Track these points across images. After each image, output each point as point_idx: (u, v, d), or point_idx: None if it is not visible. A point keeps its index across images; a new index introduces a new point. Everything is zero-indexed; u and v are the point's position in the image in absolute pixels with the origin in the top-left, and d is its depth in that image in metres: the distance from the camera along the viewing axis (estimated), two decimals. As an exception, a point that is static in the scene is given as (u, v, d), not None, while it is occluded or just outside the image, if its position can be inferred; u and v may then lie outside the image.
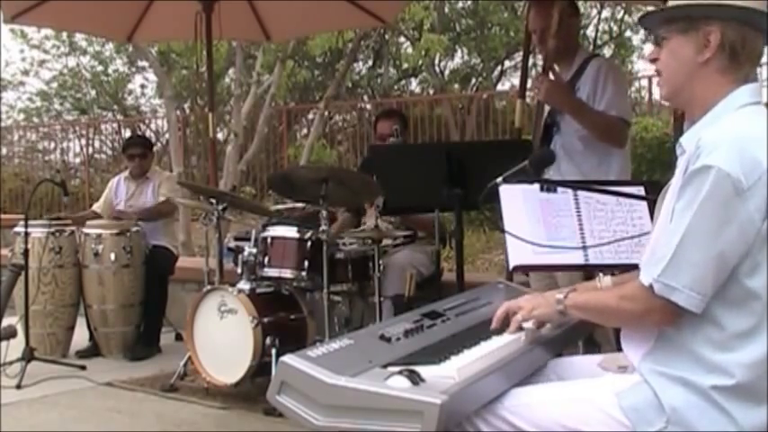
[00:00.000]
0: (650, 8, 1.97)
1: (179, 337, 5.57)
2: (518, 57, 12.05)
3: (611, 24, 13.48)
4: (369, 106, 12.59)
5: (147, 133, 11.98)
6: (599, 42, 13.23)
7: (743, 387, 1.68)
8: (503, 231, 2.43)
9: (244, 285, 4.17)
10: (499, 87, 13.15)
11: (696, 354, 1.72)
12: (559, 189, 2.53)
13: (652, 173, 6.77)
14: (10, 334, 4.75)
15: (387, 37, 12.55)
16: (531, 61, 4.92)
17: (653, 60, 1.90)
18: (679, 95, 1.88)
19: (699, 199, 1.67)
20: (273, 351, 3.98)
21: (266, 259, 4.19)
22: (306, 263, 4.12)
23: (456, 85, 13.33)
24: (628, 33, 13.36)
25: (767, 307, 1.70)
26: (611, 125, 3.37)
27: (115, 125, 13.51)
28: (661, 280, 1.69)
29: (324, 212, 4.01)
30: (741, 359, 1.69)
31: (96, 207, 5.98)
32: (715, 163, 1.66)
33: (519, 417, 1.80)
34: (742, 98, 1.80)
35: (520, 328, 1.99)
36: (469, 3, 12.41)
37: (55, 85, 14.18)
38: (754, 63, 1.83)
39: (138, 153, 5.73)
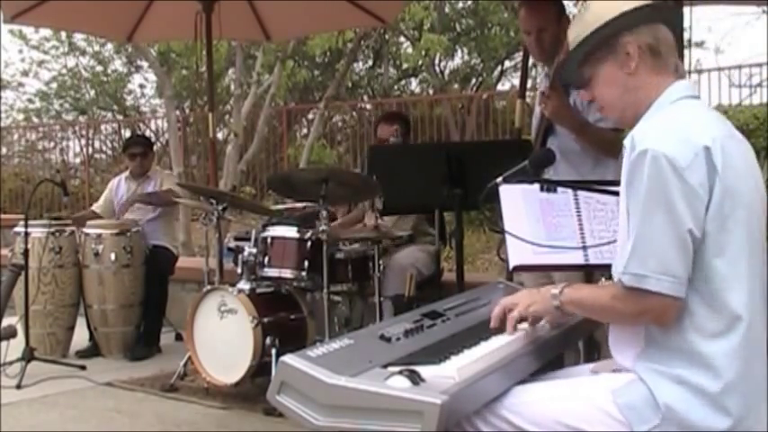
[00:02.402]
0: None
1: (179, 337, 5.57)
2: (518, 57, 12.05)
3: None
4: (369, 106, 12.60)
5: (147, 133, 11.97)
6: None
7: (732, 380, 1.70)
8: (502, 232, 2.43)
9: (244, 285, 4.18)
10: (499, 87, 13.15)
11: (683, 348, 1.74)
12: (559, 189, 2.53)
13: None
14: (10, 334, 4.75)
15: (387, 37, 12.54)
16: (531, 61, 4.91)
17: (590, 102, 2.00)
18: (627, 113, 1.92)
19: (642, 186, 1.72)
20: (273, 351, 3.98)
21: (266, 259, 4.19)
22: (306, 263, 4.12)
23: (456, 85, 13.33)
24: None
25: (743, 291, 1.73)
26: (610, 142, 3.36)
27: (115, 125, 13.52)
28: (628, 271, 1.72)
29: (324, 212, 4.01)
30: (724, 348, 1.71)
31: (96, 207, 5.97)
32: (649, 146, 1.72)
33: (517, 415, 1.81)
34: (676, 93, 1.87)
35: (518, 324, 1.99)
36: (469, 3, 12.41)
37: (54, 85, 14.17)
38: (673, 52, 1.91)
39: (139, 152, 5.73)
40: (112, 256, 5.23)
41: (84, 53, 13.79)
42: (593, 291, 1.92)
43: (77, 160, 12.64)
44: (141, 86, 14.71)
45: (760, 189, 1.86)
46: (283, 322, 4.19)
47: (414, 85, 14.41)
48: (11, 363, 4.69)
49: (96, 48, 13.65)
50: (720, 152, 1.74)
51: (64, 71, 14.03)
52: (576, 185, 2.57)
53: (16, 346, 4.77)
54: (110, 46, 13.32)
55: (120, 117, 14.13)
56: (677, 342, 1.74)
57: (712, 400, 1.70)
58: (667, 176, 1.69)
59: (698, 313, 1.73)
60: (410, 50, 12.14)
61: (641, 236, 1.71)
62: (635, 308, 1.74)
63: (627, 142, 1.82)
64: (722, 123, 1.87)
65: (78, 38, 13.20)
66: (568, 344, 2.45)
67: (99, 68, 13.99)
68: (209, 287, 4.31)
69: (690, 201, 1.70)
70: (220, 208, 4.47)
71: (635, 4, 1.88)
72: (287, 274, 4.17)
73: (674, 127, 1.77)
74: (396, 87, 14.01)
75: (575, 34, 1.97)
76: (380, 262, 4.11)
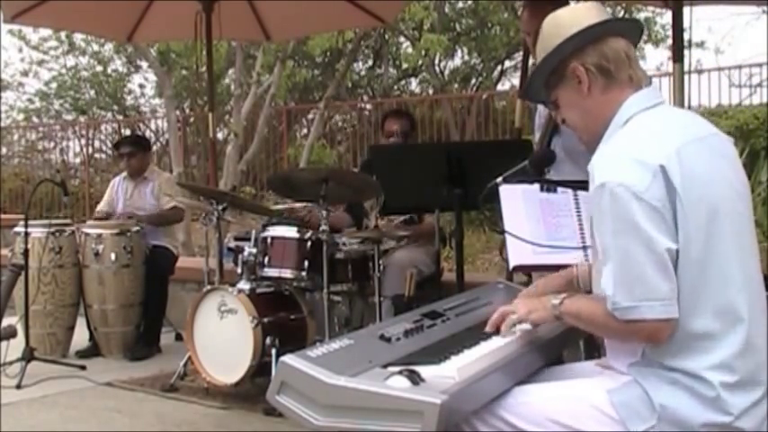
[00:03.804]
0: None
1: (179, 337, 5.57)
2: (518, 57, 12.04)
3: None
4: (369, 106, 12.58)
5: (147, 133, 11.98)
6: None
7: (728, 386, 1.71)
8: (502, 232, 2.43)
9: (244, 285, 4.17)
10: (499, 87, 13.14)
11: (677, 363, 1.73)
12: (559, 189, 2.53)
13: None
14: (10, 334, 4.75)
15: (387, 37, 12.54)
16: (531, 61, 4.91)
17: (563, 122, 2.01)
18: (595, 133, 1.93)
19: (607, 218, 1.73)
20: (273, 351, 3.98)
21: (266, 259, 4.19)
22: (306, 263, 4.12)
23: (456, 85, 13.32)
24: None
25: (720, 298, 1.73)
26: None
27: (115, 125, 13.51)
28: (617, 307, 1.72)
29: (324, 212, 4.01)
30: (713, 361, 1.71)
31: (103, 206, 5.93)
32: (606, 179, 1.72)
33: (514, 415, 1.81)
34: (629, 111, 1.87)
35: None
36: (469, 3, 12.40)
37: (54, 85, 14.17)
38: (625, 64, 1.90)
39: (128, 152, 5.71)
40: (112, 256, 5.23)
41: (84, 53, 13.78)
42: (589, 304, 1.90)
43: (77, 160, 12.64)
44: (141, 86, 14.72)
45: (735, 185, 1.84)
46: (283, 322, 4.19)
47: (414, 85, 14.40)
48: (11, 363, 4.69)
49: (96, 48, 13.64)
50: (678, 167, 1.73)
51: (64, 71, 14.02)
52: (576, 185, 2.57)
53: (16, 346, 4.77)
54: (110, 46, 13.31)
55: (120, 117, 14.13)
56: (669, 361, 1.74)
57: (710, 402, 1.71)
58: (629, 204, 1.69)
59: (688, 329, 1.73)
60: (410, 50, 12.14)
61: (620, 267, 1.71)
62: (628, 330, 1.74)
63: (590, 168, 1.83)
64: (683, 129, 1.85)
65: (78, 38, 13.19)
66: (569, 343, 2.45)
67: (99, 68, 13.98)
68: (209, 287, 4.31)
69: (658, 221, 1.70)
70: (220, 208, 4.48)
71: (579, 28, 1.89)
72: (287, 274, 4.17)
73: (628, 151, 1.76)
74: (396, 87, 14.00)
75: (537, 56, 2.01)
76: (380, 262, 4.11)
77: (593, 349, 2.84)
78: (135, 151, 5.73)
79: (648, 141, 1.78)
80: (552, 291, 2.07)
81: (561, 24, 1.93)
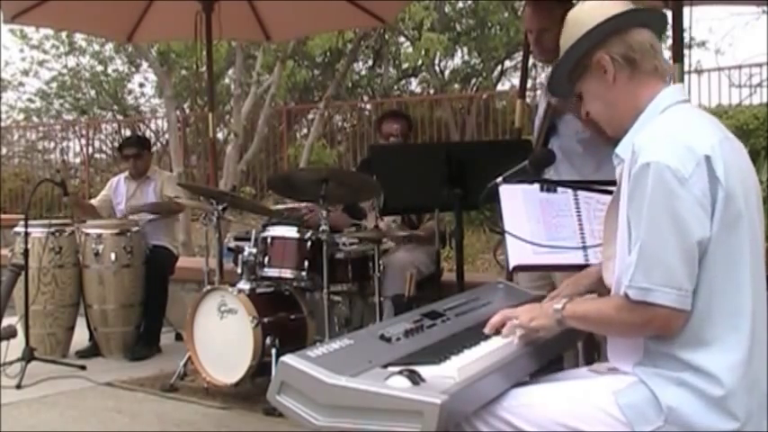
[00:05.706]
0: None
1: (179, 337, 5.57)
2: (518, 57, 12.04)
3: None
4: (369, 106, 12.59)
5: (147, 133, 11.98)
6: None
7: (734, 387, 1.70)
8: (502, 232, 2.43)
9: (244, 285, 4.18)
10: (499, 87, 13.14)
11: (683, 357, 1.73)
12: (559, 189, 2.53)
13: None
14: (10, 334, 4.74)
15: (387, 37, 12.53)
16: (531, 61, 4.91)
17: (587, 115, 2.01)
18: (620, 123, 1.93)
19: (646, 197, 1.71)
20: (273, 351, 3.98)
21: (266, 259, 4.19)
22: (306, 263, 4.12)
23: (456, 85, 13.32)
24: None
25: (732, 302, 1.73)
26: None
27: (115, 125, 13.52)
28: (633, 285, 1.71)
29: (324, 212, 4.01)
30: (725, 358, 1.71)
31: (94, 201, 5.94)
32: (652, 159, 1.71)
33: (518, 416, 1.80)
34: (666, 101, 1.87)
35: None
36: (469, 3, 12.40)
37: (54, 85, 14.17)
38: (650, 55, 1.90)
39: (133, 153, 5.72)
40: (113, 256, 5.23)
41: (84, 53, 13.78)
42: (595, 304, 1.91)
43: (77, 160, 12.65)
44: (141, 86, 14.73)
45: (755, 186, 1.85)
46: (283, 322, 4.19)
47: (414, 85, 14.41)
48: (11, 363, 4.69)
49: (96, 48, 13.64)
50: (721, 159, 1.73)
51: (64, 71, 14.02)
52: (576, 185, 2.57)
53: (16, 346, 4.77)
54: (110, 46, 13.31)
55: (120, 117, 14.13)
56: (676, 351, 1.74)
57: (716, 403, 1.70)
58: (672, 188, 1.69)
59: (698, 323, 1.72)
60: (410, 50, 12.14)
61: (646, 248, 1.70)
62: (640, 319, 1.73)
63: (623, 153, 1.83)
64: (716, 126, 1.86)
65: (78, 38, 13.19)
66: (568, 344, 2.45)
67: (99, 68, 13.98)
68: (209, 287, 4.31)
69: (695, 211, 1.70)
70: (220, 208, 4.48)
71: (603, 19, 1.89)
72: (287, 274, 4.17)
73: (673, 136, 1.76)
74: (396, 87, 14.00)
75: (561, 48, 2.01)
76: (380, 262, 4.11)
77: (593, 349, 2.84)
78: (140, 152, 5.75)
79: (694, 130, 1.79)
80: (582, 291, 2.07)
81: (585, 16, 1.93)
